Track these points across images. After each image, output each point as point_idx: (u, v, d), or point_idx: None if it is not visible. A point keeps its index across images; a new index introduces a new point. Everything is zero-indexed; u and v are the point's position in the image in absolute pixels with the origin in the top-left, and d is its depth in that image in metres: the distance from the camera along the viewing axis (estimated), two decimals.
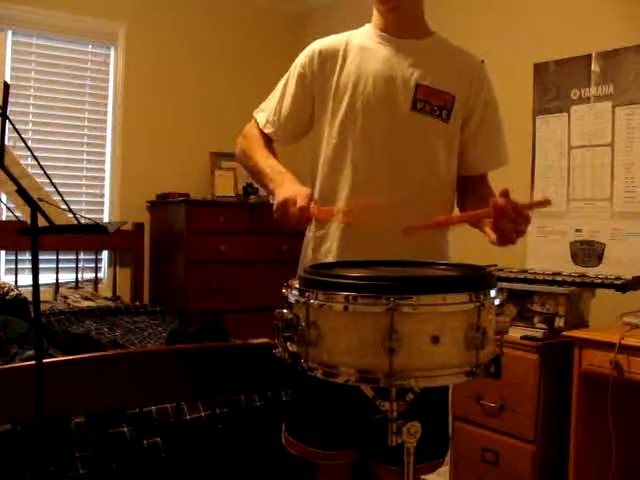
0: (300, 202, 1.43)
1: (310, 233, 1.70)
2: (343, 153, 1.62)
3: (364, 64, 1.62)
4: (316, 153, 1.69)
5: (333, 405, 1.57)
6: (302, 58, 1.70)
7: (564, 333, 2.48)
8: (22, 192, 1.60)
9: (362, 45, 1.65)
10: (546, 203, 1.33)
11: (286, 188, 1.50)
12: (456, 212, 1.72)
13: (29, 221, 1.64)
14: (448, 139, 1.64)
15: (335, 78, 1.64)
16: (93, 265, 4.07)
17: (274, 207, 1.48)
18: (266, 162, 1.66)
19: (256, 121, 1.77)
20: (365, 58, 1.63)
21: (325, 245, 1.65)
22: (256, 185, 4.19)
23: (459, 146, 1.68)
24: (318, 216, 1.49)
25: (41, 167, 1.78)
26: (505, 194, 1.31)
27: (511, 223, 1.33)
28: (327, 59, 1.65)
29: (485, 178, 1.74)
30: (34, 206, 1.62)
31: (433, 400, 1.54)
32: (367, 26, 1.71)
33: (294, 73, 1.71)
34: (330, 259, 1.61)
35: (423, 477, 1.71)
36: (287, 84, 1.72)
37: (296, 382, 1.69)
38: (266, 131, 1.74)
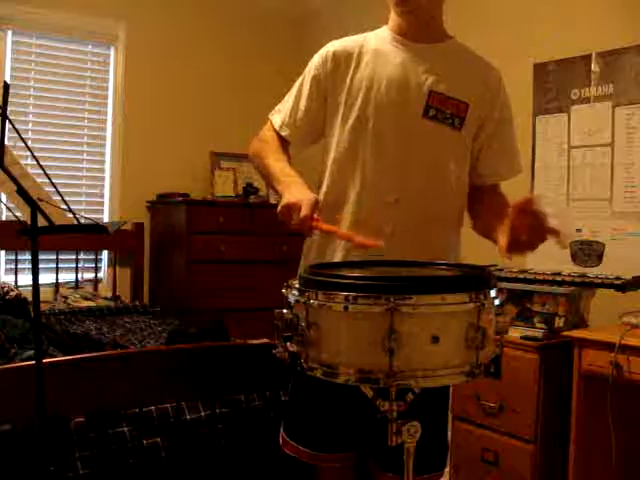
0: (304, 211, 1.39)
1: (315, 237, 1.66)
2: (353, 157, 1.60)
3: (378, 68, 1.59)
4: (326, 155, 1.67)
5: (331, 407, 1.56)
6: (316, 59, 1.68)
7: (564, 333, 2.48)
8: (22, 192, 1.60)
9: (377, 49, 1.62)
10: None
11: (292, 192, 1.46)
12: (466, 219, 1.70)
13: (29, 221, 1.64)
14: (459, 148, 1.61)
15: (348, 81, 1.61)
16: (93, 265, 4.07)
17: (278, 209, 1.45)
18: (277, 164, 1.62)
19: (272, 123, 1.74)
20: (379, 62, 1.60)
21: (330, 248, 1.62)
22: (256, 185, 4.19)
23: (472, 155, 1.64)
24: (320, 229, 1.45)
25: (41, 167, 1.79)
26: (530, 202, 1.28)
27: (536, 235, 1.31)
28: (341, 62, 1.63)
29: (498, 187, 1.71)
30: (34, 206, 1.62)
31: (432, 406, 1.50)
32: (383, 28, 1.68)
33: (309, 74, 1.68)
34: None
35: None
36: (302, 86, 1.70)
37: (295, 382, 1.69)
38: (282, 133, 1.70)
